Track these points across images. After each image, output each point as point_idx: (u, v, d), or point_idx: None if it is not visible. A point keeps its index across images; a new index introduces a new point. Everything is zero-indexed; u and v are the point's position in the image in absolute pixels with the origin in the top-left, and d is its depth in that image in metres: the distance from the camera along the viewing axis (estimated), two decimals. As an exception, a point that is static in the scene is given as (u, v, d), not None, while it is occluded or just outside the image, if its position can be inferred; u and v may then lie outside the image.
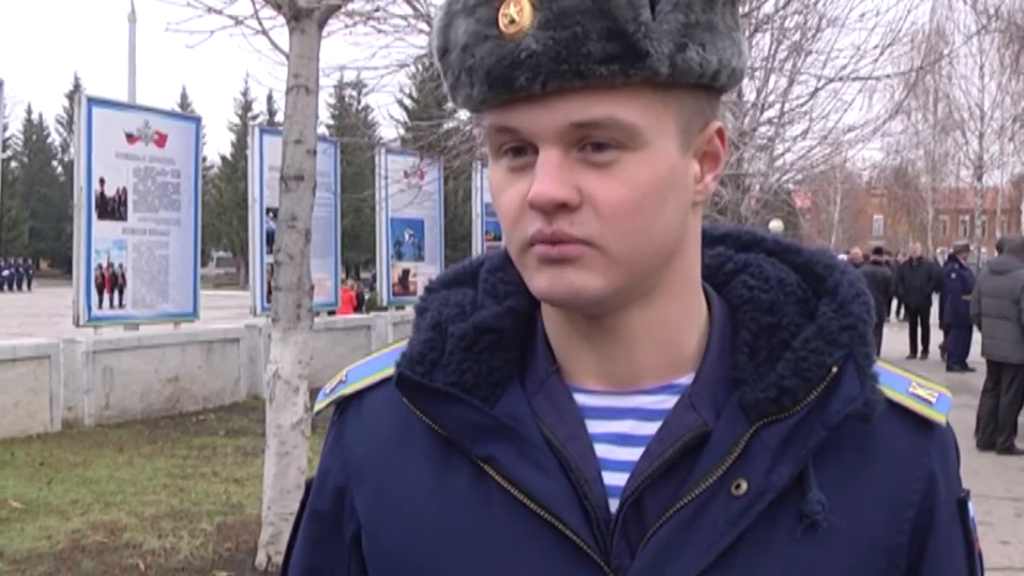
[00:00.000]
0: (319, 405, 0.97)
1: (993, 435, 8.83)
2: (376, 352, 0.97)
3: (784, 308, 0.84)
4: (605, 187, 0.75)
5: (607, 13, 0.72)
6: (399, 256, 13.90)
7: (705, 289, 0.87)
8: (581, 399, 0.84)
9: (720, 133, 0.82)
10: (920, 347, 16.61)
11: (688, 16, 0.75)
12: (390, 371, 0.89)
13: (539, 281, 0.78)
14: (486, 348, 0.84)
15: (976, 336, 9.85)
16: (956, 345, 14.51)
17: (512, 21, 0.74)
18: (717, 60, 0.77)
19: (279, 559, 5.13)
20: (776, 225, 15.57)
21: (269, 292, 8.08)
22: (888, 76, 12.08)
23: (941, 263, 17.62)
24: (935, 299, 16.49)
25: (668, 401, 0.83)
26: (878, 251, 20.15)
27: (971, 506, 0.89)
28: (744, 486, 0.78)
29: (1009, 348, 8.71)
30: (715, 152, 0.82)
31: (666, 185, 0.77)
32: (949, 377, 12.98)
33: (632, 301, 0.81)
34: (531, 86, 0.74)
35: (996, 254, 10.06)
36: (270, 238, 9.03)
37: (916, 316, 16.81)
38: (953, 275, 14.47)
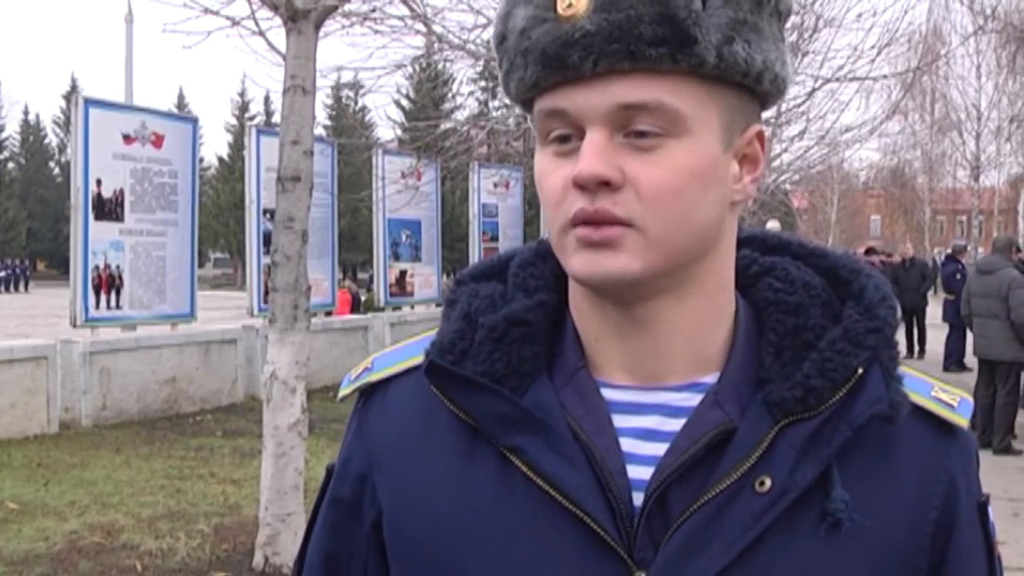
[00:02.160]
0: (344, 391, 0.97)
1: (988, 433, 8.85)
2: (403, 341, 0.97)
3: (809, 310, 0.85)
4: (648, 170, 0.77)
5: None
6: (396, 257, 13.90)
7: None
8: (608, 393, 0.85)
9: (760, 137, 0.84)
10: (917, 347, 16.64)
11: (737, 13, 0.78)
12: (416, 360, 0.90)
13: (576, 262, 0.80)
14: (516, 340, 0.86)
15: (971, 337, 9.92)
16: (954, 344, 14.53)
17: (569, 5, 0.77)
18: (762, 61, 0.80)
19: (276, 560, 5.12)
20: (773, 225, 15.57)
21: (266, 293, 8.07)
22: (885, 76, 12.12)
23: (938, 263, 17.63)
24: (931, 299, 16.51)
25: (693, 399, 0.84)
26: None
27: (991, 510, 0.90)
28: (768, 483, 0.79)
29: (1001, 346, 8.79)
30: (755, 155, 0.84)
31: (707, 175, 0.79)
32: (946, 377, 12.95)
33: (665, 292, 0.82)
34: (583, 65, 0.77)
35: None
36: (267, 239, 9.01)
37: (911, 316, 16.84)
38: (958, 275, 14.49)
